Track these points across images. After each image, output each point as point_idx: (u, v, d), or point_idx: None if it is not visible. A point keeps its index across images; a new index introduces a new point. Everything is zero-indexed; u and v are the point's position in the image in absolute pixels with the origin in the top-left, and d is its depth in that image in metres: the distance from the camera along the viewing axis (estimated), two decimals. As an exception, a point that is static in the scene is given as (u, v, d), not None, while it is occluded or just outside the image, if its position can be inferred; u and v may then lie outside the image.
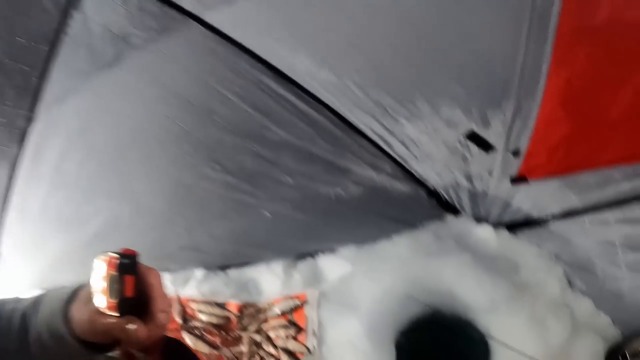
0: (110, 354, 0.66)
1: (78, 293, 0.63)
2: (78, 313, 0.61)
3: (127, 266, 0.59)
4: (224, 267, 1.87)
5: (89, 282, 0.61)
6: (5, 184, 1.57)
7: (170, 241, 1.77)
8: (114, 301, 0.57)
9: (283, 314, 1.70)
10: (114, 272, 0.57)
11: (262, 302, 1.76)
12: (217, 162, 1.61)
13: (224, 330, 1.70)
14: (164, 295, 0.62)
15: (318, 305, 1.68)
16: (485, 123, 1.35)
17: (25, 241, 1.72)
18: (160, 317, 0.61)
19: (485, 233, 1.67)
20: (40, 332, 0.64)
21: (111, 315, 0.58)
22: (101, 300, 0.58)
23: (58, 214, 1.67)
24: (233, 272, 1.84)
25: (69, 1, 1.27)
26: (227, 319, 1.72)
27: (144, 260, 0.66)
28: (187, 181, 1.65)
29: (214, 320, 1.71)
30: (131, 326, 0.58)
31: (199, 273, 1.81)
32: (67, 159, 1.54)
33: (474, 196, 1.63)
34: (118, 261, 0.58)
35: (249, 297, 1.77)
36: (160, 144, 1.57)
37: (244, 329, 1.70)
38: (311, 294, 1.70)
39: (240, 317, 1.73)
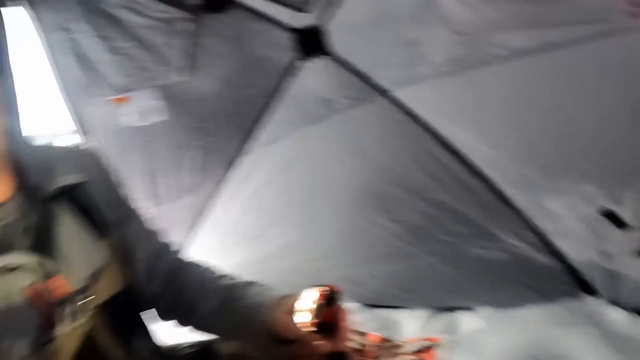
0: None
1: (284, 301, 0.80)
2: (279, 314, 0.79)
3: (332, 298, 0.77)
4: (372, 305, 2.18)
5: (294, 296, 0.79)
6: (206, 198, 2.13)
7: (334, 271, 2.10)
8: (315, 321, 0.74)
9: (416, 352, 1.95)
10: (322, 301, 0.75)
11: (399, 340, 2.02)
12: (387, 212, 2.00)
13: (360, 355, 1.99)
14: (346, 326, 0.79)
15: (450, 350, 1.89)
16: (618, 200, 1.58)
17: (214, 248, 2.16)
18: (341, 340, 0.78)
19: (617, 315, 1.76)
20: (243, 308, 0.83)
21: (309, 329, 0.75)
22: (305, 317, 0.75)
23: (246, 231, 2.15)
24: (380, 312, 2.14)
25: (289, 69, 1.86)
26: (364, 346, 2.00)
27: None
28: (360, 224, 2.06)
29: (353, 344, 1.98)
30: (320, 341, 0.75)
31: (351, 305, 2.14)
32: (265, 188, 2.05)
33: (608, 275, 1.78)
34: (328, 294, 0.76)
35: (389, 335, 2.06)
36: (344, 189, 2.04)
37: (377, 358, 1.98)
38: (445, 339, 1.93)
39: (376, 348, 2.01)
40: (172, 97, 1.90)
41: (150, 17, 1.83)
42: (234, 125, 1.92)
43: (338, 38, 1.81)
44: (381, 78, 1.82)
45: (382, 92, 1.84)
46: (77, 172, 0.80)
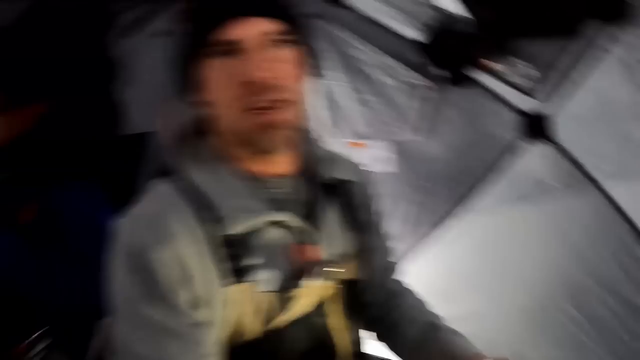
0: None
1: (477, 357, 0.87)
2: None
3: None
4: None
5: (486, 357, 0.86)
6: (408, 248, 2.19)
7: (508, 346, 2.02)
8: None
9: None
10: None
11: None
12: (575, 300, 2.03)
13: None
14: None
15: None
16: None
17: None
18: None
19: None
20: (441, 350, 0.93)
21: None
22: None
23: (433, 287, 2.01)
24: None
25: (511, 148, 1.99)
26: None
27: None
28: (545, 306, 2.10)
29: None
30: None
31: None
32: (463, 253, 2.13)
33: None
34: None
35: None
36: (537, 269, 2.09)
37: None
38: None
39: None
40: (403, 153, 2.01)
41: (398, 80, 2.01)
42: (451, 189, 2.04)
43: (561, 126, 1.95)
44: (597, 170, 1.92)
45: (596, 184, 1.93)
46: (349, 173, 0.95)
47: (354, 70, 2.05)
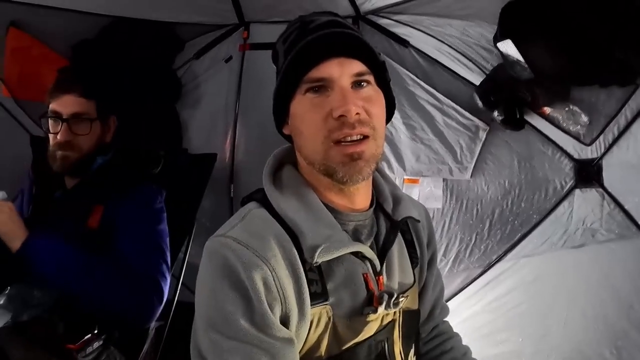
0: None
1: None
2: None
3: None
4: None
5: None
6: (457, 288, 2.21)
7: None
8: None
9: None
10: None
11: None
12: (617, 348, 2.02)
13: None
14: None
15: None
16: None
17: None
18: None
19: None
20: None
21: None
22: None
23: (476, 326, 2.19)
24: None
25: (562, 193, 2.02)
26: None
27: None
28: (586, 352, 2.09)
29: None
30: None
31: None
32: (508, 295, 2.14)
33: None
34: None
35: None
36: (580, 314, 2.08)
37: None
38: None
39: None
40: (454, 191, 2.04)
41: (453, 119, 2.05)
42: (502, 231, 2.06)
43: (612, 173, 1.97)
44: (645, 218, 1.92)
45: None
46: (415, 212, 1.01)
47: (410, 107, 2.09)
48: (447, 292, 1.99)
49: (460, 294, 2.17)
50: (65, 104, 1.51)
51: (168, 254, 1.51)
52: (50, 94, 1.53)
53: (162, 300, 1.42)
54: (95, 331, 1.26)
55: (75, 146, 1.52)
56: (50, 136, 1.53)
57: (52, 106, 1.52)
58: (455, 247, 2.11)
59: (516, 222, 2.07)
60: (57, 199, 1.58)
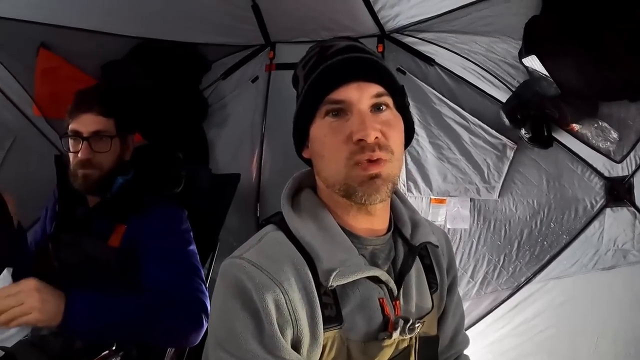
0: None
1: None
2: None
3: None
4: None
5: None
6: (484, 312, 2.16)
7: None
8: None
9: None
10: None
11: None
12: None
13: None
14: None
15: None
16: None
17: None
18: None
19: None
20: None
21: None
22: None
23: (501, 350, 2.16)
24: None
25: (593, 212, 1.97)
26: None
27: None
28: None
29: None
30: None
31: None
32: (536, 318, 2.09)
33: None
34: None
35: None
36: (611, 337, 2.03)
37: None
38: None
39: None
40: (481, 211, 2.00)
41: (480, 138, 2.01)
42: (530, 252, 2.04)
43: None
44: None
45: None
46: (434, 237, 0.99)
47: (436, 126, 2.07)
48: (474, 315, 1.97)
49: (488, 316, 2.13)
50: (85, 123, 1.53)
51: (202, 273, 1.52)
52: (70, 114, 1.56)
53: (207, 317, 1.40)
54: (113, 348, 1.25)
55: (96, 164, 1.54)
56: (71, 155, 1.56)
57: (72, 126, 1.55)
58: (483, 269, 2.07)
59: (545, 242, 2.02)
60: (79, 217, 1.60)
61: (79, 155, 1.53)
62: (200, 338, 1.40)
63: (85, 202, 1.63)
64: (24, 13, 1.95)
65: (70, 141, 1.57)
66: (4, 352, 1.10)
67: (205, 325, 1.38)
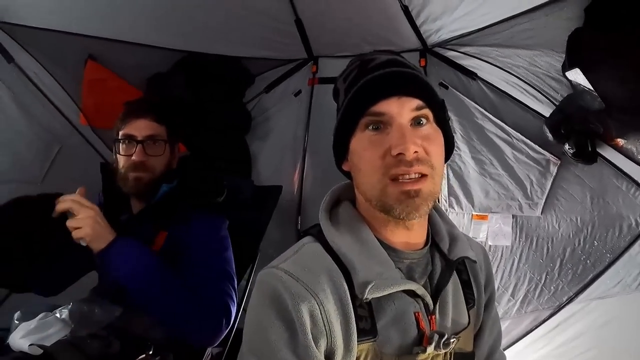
0: None
1: None
2: None
3: None
4: None
5: None
6: (523, 332, 2.13)
7: None
8: None
9: None
10: None
11: None
12: None
13: None
14: None
15: None
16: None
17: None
18: None
19: None
20: None
21: None
22: None
23: None
24: None
25: (636, 229, 1.93)
26: None
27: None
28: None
29: None
30: None
31: None
32: (577, 339, 2.05)
33: None
34: None
35: None
36: None
37: None
38: None
39: None
40: (524, 228, 1.97)
41: (523, 153, 1.98)
42: (573, 271, 2.00)
43: None
44: None
45: None
46: (472, 252, 0.98)
47: (478, 141, 2.05)
48: (513, 334, 1.94)
49: (528, 336, 2.10)
50: (139, 128, 1.58)
51: (235, 280, 1.54)
52: (122, 121, 1.60)
53: (230, 322, 1.44)
54: (150, 352, 1.28)
55: (149, 167, 1.57)
56: (123, 158, 1.59)
57: (126, 130, 1.58)
58: (524, 287, 2.05)
59: (588, 261, 1.99)
60: (123, 222, 1.63)
61: (133, 157, 1.56)
62: (217, 340, 1.42)
63: (129, 209, 1.67)
64: (72, 26, 2.02)
65: (122, 145, 1.60)
66: (42, 351, 1.12)
67: (225, 328, 1.41)
